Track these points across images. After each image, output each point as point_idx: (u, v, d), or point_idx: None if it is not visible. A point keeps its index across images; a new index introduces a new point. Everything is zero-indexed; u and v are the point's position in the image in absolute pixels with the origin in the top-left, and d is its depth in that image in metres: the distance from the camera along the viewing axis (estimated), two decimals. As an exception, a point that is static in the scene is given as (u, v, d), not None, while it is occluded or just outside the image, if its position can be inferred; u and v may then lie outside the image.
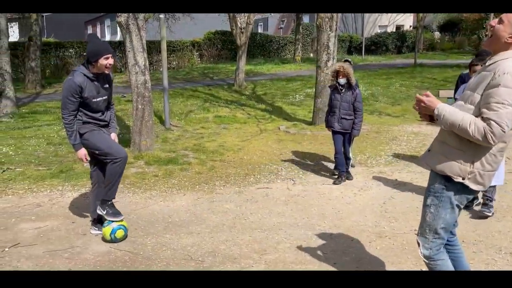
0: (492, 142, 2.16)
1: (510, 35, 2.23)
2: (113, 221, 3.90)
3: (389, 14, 35.86)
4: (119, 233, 3.91)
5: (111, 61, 3.78)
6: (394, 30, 32.58)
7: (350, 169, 5.85)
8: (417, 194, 5.08)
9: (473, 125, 2.19)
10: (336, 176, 5.71)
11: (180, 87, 14.73)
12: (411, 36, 29.92)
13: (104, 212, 3.93)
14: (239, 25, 14.37)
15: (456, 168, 2.32)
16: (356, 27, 32.57)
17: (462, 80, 5.36)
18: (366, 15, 29.67)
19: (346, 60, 6.07)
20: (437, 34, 33.11)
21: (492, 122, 2.14)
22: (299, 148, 7.40)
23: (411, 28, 32.71)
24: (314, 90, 10.08)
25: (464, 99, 2.36)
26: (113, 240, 3.89)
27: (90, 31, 40.88)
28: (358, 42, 29.03)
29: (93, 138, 3.90)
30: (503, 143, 2.31)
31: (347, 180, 5.64)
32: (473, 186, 2.33)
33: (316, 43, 9.29)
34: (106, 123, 4.07)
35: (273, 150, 7.28)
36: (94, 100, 3.85)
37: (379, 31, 32.34)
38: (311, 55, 27.21)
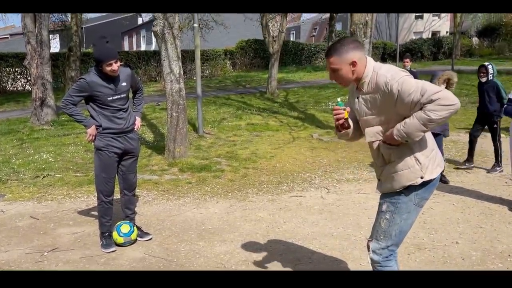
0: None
1: None
2: (106, 252, 3.93)
3: (425, 20, 35.14)
4: (124, 228, 4.02)
5: (115, 66, 3.65)
6: (429, 36, 31.86)
7: None
8: (456, 205, 4.88)
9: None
10: None
11: (213, 95, 14.88)
12: (447, 42, 29.19)
13: (100, 243, 4.05)
14: (271, 33, 14.42)
15: (411, 175, 2.37)
16: (390, 33, 32.11)
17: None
18: (401, 21, 29.22)
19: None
20: (475, 40, 32.14)
21: None
22: (333, 156, 7.29)
23: (448, 34, 31.88)
24: (347, 97, 9.95)
25: None
26: (124, 235, 3.98)
27: (126, 41, 42.08)
28: (393, 49, 28.57)
29: (101, 162, 3.89)
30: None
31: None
32: (434, 175, 2.38)
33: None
34: (129, 127, 3.95)
35: (306, 158, 7.20)
36: (109, 98, 3.77)
37: (414, 37, 31.71)
38: (344, 62, 26.94)
